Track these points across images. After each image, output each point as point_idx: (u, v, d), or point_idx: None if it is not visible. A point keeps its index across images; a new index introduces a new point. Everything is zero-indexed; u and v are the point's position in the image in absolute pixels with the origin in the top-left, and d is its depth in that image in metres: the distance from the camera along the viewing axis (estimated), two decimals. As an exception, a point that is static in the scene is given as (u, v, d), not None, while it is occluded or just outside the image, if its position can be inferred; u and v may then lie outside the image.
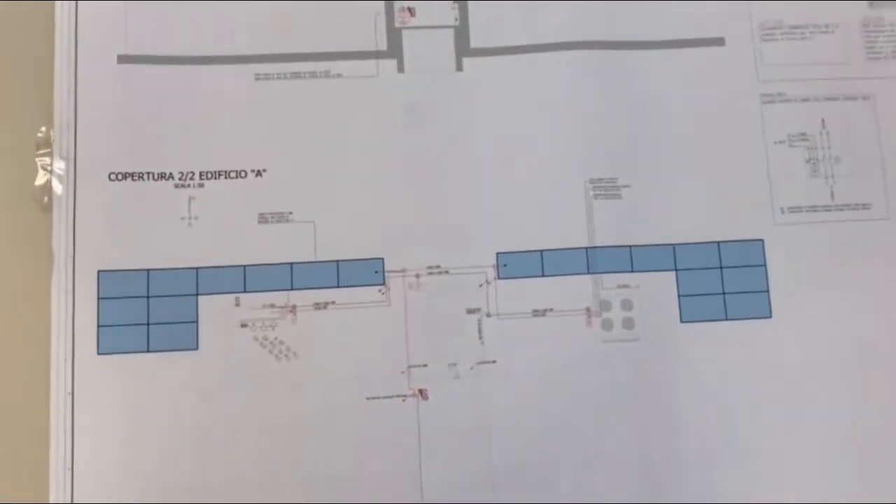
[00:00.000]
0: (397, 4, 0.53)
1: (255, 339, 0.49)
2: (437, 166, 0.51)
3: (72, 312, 0.48)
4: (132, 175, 0.50)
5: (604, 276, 0.51)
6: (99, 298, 0.49)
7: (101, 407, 0.48)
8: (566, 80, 0.53)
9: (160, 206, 0.50)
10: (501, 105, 0.52)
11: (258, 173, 0.51)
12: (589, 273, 0.51)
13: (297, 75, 0.52)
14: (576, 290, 0.51)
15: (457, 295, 0.50)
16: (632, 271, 0.51)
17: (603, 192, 0.52)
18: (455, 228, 0.51)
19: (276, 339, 0.49)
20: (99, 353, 0.48)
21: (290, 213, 0.51)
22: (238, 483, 0.48)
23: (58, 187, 0.49)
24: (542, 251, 0.51)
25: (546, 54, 0.53)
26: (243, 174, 0.51)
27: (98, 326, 0.48)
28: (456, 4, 0.53)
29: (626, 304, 0.51)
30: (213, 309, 0.49)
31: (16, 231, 0.50)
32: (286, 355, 0.49)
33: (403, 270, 0.51)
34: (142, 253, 0.49)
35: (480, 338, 0.50)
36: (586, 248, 0.51)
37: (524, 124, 0.52)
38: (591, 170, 0.52)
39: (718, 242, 0.52)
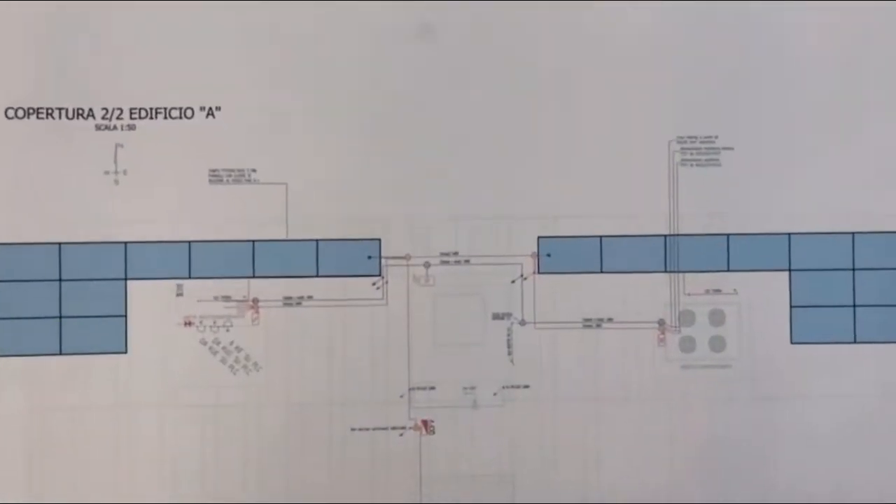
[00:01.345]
0: None
1: (203, 342, 0.36)
2: (459, 111, 0.36)
3: (-45, 300, 0.36)
4: (37, 111, 0.36)
5: (687, 275, 0.37)
6: (-7, 281, 0.36)
7: (-3, 426, 0.36)
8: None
9: (76, 155, 0.36)
10: (557, 27, 0.37)
11: (210, 113, 0.37)
12: (666, 271, 0.37)
13: (267, -25, 0.36)
14: (646, 294, 0.37)
15: (479, 294, 0.36)
16: (727, 270, 0.37)
17: (694, 157, 0.37)
18: (481, 201, 0.37)
19: (231, 343, 0.36)
20: (-6, 355, 0.36)
21: (253, 170, 0.37)
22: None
23: (-66, 125, 0.36)
24: (600, 237, 0.37)
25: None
26: (189, 113, 0.37)
27: (-8, 319, 0.36)
28: None
29: (717, 317, 0.37)
30: (146, 299, 0.36)
31: None
32: (244, 366, 0.36)
33: (407, 257, 0.37)
34: (51, 220, 0.36)
35: (510, 353, 0.37)
36: (665, 236, 0.37)
37: (587, 54, 0.37)
38: (680, 124, 0.37)
39: (853, 234, 0.37)
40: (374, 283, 0.37)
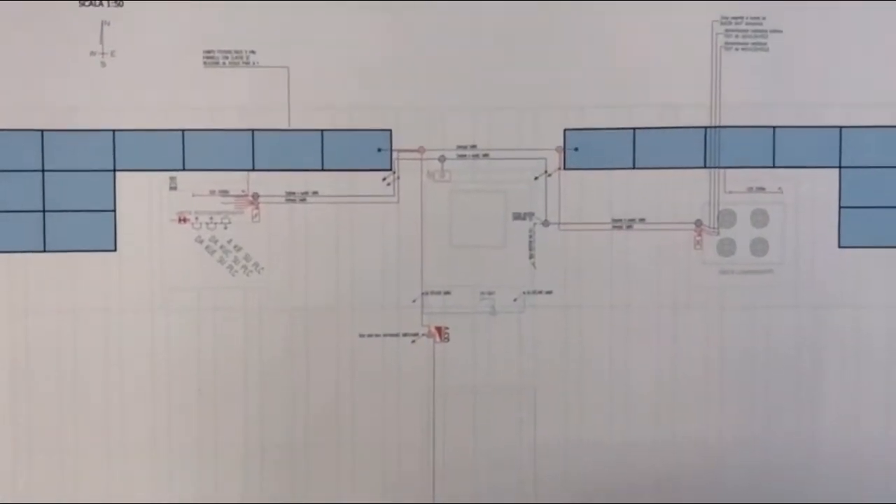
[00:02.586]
0: None
1: (199, 240, 0.33)
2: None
3: (-71, 190, 0.33)
4: (13, -16, 0.33)
5: (728, 171, 0.33)
6: (-31, 171, 0.33)
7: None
8: None
9: (59, 33, 0.33)
10: None
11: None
12: (706, 167, 0.33)
13: None
14: (683, 191, 0.33)
15: (499, 191, 0.33)
16: (773, 167, 0.33)
17: (739, 40, 0.33)
18: (502, 87, 0.33)
19: (229, 242, 0.33)
20: (-28, 251, 0.33)
21: (252, 51, 0.33)
22: (172, 451, 0.33)
23: None
24: (633, 129, 0.33)
25: None
26: (180, -15, 0.33)
27: (-31, 212, 0.33)
28: None
29: (759, 218, 0.33)
30: (137, 193, 0.33)
31: None
32: (244, 267, 0.34)
33: (421, 150, 0.33)
34: (32, 106, 0.33)
35: (531, 257, 0.34)
36: (705, 128, 0.33)
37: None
38: (724, 2, 0.33)
39: (912, 128, 0.33)
40: (384, 179, 0.33)
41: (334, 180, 0.34)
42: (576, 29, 0.33)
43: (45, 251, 0.33)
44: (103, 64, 0.33)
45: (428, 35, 0.33)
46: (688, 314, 0.33)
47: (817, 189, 0.33)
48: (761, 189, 0.33)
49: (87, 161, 0.33)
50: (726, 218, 0.33)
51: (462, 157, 0.34)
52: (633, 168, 0.33)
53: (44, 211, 0.33)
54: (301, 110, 0.33)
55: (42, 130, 0.33)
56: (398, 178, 0.34)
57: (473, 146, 0.34)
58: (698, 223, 0.33)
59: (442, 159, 0.34)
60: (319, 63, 0.33)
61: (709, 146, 0.33)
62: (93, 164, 0.33)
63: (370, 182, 0.34)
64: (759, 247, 0.33)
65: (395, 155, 0.33)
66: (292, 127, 0.33)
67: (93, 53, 0.33)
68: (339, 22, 0.33)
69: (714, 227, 0.33)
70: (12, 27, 0.33)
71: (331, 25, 0.33)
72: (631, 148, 0.33)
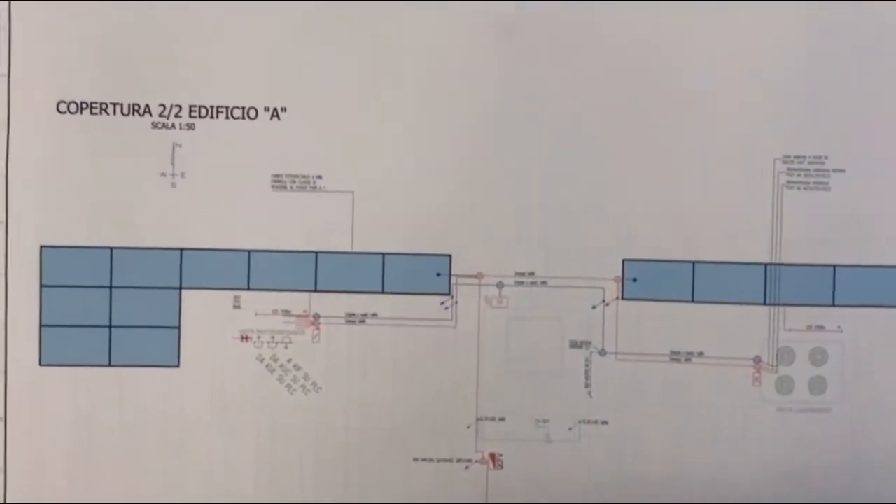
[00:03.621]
0: None
1: (260, 359, 0.34)
2: (543, 115, 0.34)
3: (3, 305, 0.33)
4: (90, 106, 0.34)
5: (788, 309, 0.33)
6: (41, 286, 0.34)
7: (42, 438, 0.34)
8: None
9: (131, 154, 0.34)
10: (658, 33, 0.33)
11: (275, 113, 0.34)
12: (766, 304, 0.33)
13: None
14: (742, 327, 0.34)
15: (557, 318, 0.34)
16: (832, 305, 0.33)
17: (801, 178, 0.33)
18: (563, 217, 0.34)
19: (289, 361, 0.34)
20: (41, 365, 0.34)
21: (319, 176, 0.34)
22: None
23: (-16, 118, 0.34)
24: (693, 263, 0.33)
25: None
26: (253, 113, 0.34)
27: (40, 326, 0.34)
28: None
29: (818, 356, 0.33)
30: (202, 310, 0.34)
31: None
32: (303, 387, 0.34)
33: (479, 276, 0.34)
34: (103, 223, 0.34)
35: (587, 386, 0.34)
36: (765, 265, 0.33)
37: (685, 62, 0.33)
38: (786, 141, 0.33)
39: (975, 269, 0.33)
40: (442, 303, 0.34)
41: (394, 303, 0.34)
42: (637, 161, 0.33)
43: (110, 365, 0.34)
44: (173, 185, 0.34)
45: (488, 165, 0.34)
46: (744, 450, 0.33)
47: (878, 329, 0.33)
48: (821, 328, 0.33)
49: (154, 278, 0.34)
50: (785, 355, 0.33)
51: (520, 283, 0.34)
52: (693, 301, 0.34)
53: (110, 326, 0.34)
54: (364, 233, 0.34)
55: (111, 248, 0.34)
56: (456, 302, 0.34)
57: (532, 273, 0.34)
58: (757, 359, 0.33)
59: (500, 285, 0.34)
60: (383, 188, 0.34)
61: (769, 282, 0.33)
62: (159, 282, 0.34)
63: (429, 306, 0.34)
64: (817, 385, 0.33)
65: (453, 280, 0.34)
66: (355, 250, 0.34)
67: (163, 174, 0.34)
68: (403, 149, 0.34)
69: (773, 364, 0.33)
70: (85, 144, 0.34)
71: (394, 152, 0.34)
72: (690, 281, 0.33)
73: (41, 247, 0.34)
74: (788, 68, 0.33)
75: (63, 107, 0.34)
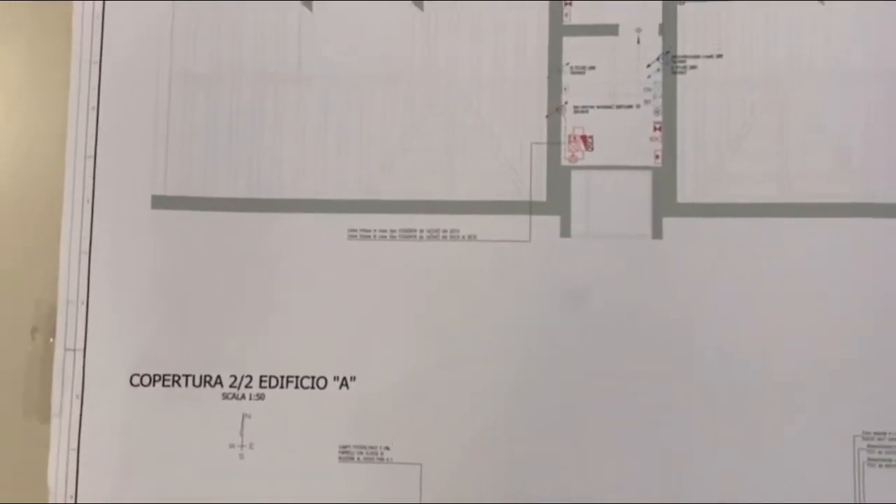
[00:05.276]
0: (565, 127, 0.35)
1: None
2: (612, 382, 0.33)
3: (68, 583, 0.33)
4: (163, 378, 0.34)
5: None
6: (107, 563, 0.33)
7: None
8: (841, 262, 0.33)
9: (201, 425, 0.34)
10: (721, 297, 0.33)
11: (344, 383, 0.34)
12: (853, 591, 0.32)
13: (409, 234, 0.34)
14: None
15: None
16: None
17: (883, 456, 0.32)
18: (632, 481, 0.33)
19: None
20: None
21: (387, 447, 0.34)
22: None
23: (59, 391, 0.34)
24: (775, 541, 0.32)
25: (808, 221, 0.33)
26: (322, 383, 0.34)
27: None
28: (658, 133, 0.34)
29: None
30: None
31: None
32: None
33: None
34: (170, 495, 0.34)
35: None
36: (851, 546, 0.32)
37: (756, 331, 0.33)
38: (866, 417, 0.32)
39: None
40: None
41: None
42: (713, 433, 0.33)
43: None
44: (241, 456, 0.34)
45: (557, 436, 0.33)
46: None
47: None
48: None
49: (220, 552, 0.34)
50: None
51: None
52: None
53: None
54: (432, 506, 0.33)
55: (179, 515, 0.34)
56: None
57: None
58: None
59: None
60: (452, 461, 0.33)
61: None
62: (225, 556, 0.33)
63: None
64: None
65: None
66: (423, 522, 0.33)
67: (231, 446, 0.34)
68: (472, 421, 0.33)
69: None
70: (156, 416, 0.34)
71: (463, 424, 0.33)
72: (771, 561, 0.32)
73: (110, 519, 0.34)
74: (865, 341, 0.33)
75: (136, 380, 0.34)
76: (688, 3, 0.34)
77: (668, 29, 0.34)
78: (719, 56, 0.34)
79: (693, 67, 0.34)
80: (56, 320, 0.34)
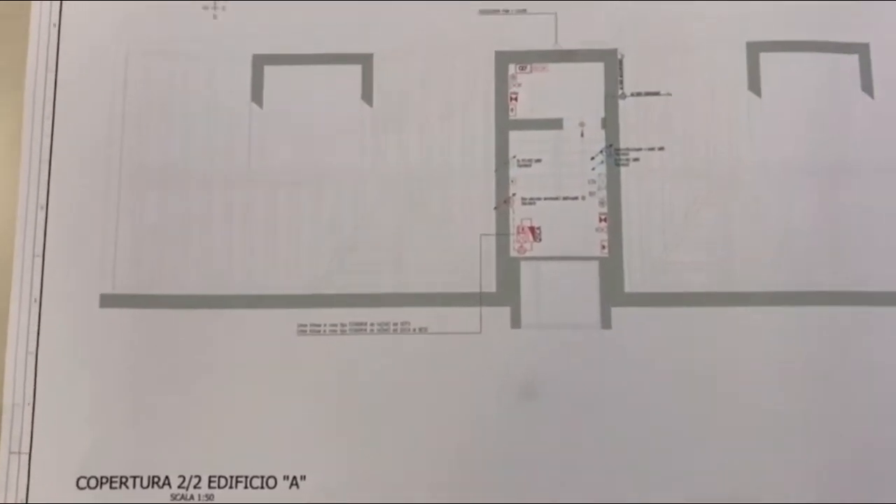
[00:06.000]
0: (513, 218, 0.35)
1: None
2: (569, 478, 0.33)
3: None
4: (110, 480, 0.34)
5: None
6: None
7: None
8: (785, 349, 0.33)
9: (148, 528, 0.33)
10: (674, 388, 0.33)
11: (294, 482, 0.33)
12: None
13: (360, 328, 0.34)
14: None
15: None
16: None
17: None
18: None
19: None
20: None
21: (340, 547, 0.33)
22: None
23: (2, 496, 0.33)
24: None
25: (752, 309, 0.34)
26: (272, 483, 0.33)
27: None
28: (604, 224, 0.35)
29: None
30: None
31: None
32: None
33: None
34: None
35: None
36: None
37: (711, 424, 0.33)
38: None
39: None
40: None
41: None
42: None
43: None
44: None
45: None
46: None
47: None
48: None
49: None
50: None
51: None
52: None
53: None
54: None
55: None
56: None
57: None
58: None
59: None
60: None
61: None
62: None
63: None
64: None
65: None
66: None
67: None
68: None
69: None
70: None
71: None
72: None
73: None
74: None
75: (83, 482, 0.34)
76: (629, 98, 0.35)
77: (610, 122, 0.35)
78: (661, 149, 0.35)
79: (636, 160, 0.35)
80: (0, 424, 0.34)
